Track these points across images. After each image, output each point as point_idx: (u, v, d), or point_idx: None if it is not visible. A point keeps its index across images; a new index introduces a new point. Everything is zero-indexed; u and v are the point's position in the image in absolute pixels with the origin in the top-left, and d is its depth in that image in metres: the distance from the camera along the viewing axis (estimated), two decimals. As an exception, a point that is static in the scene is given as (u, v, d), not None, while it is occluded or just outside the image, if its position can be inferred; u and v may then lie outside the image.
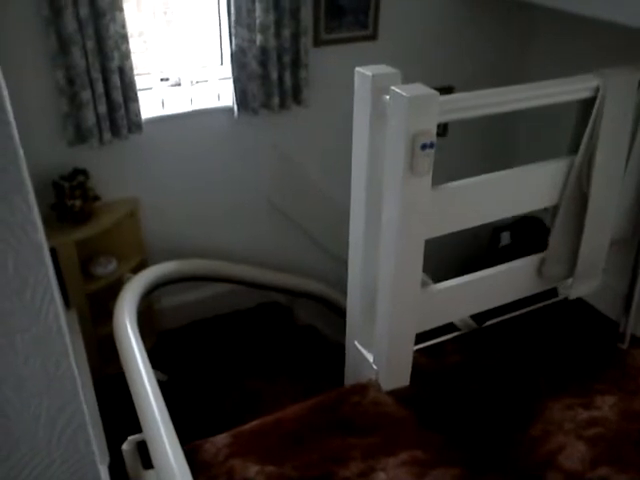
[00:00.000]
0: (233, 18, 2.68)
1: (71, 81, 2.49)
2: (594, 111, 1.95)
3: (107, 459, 1.87)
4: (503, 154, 3.70)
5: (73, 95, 2.52)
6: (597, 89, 1.92)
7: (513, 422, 2.00)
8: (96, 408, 2.11)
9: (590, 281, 2.30)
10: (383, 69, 1.74)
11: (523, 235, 3.40)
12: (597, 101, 1.93)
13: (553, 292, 2.46)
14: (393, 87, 1.67)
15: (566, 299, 2.37)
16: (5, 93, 0.74)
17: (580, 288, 2.31)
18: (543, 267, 2.22)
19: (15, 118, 0.77)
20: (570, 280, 2.29)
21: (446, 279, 2.13)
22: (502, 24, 3.39)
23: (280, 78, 2.86)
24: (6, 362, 0.85)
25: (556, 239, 2.17)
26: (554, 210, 2.15)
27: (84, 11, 2.36)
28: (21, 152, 0.77)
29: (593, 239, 2.18)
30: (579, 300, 2.44)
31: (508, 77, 3.16)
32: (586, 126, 1.98)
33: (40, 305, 0.83)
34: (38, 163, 2.48)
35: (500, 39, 3.42)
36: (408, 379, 2.11)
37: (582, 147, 2.00)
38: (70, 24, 2.36)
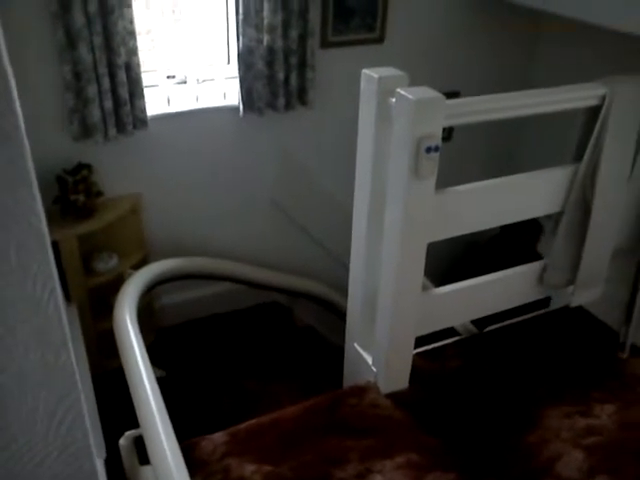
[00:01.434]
0: (241, 18, 2.69)
1: (78, 76, 2.49)
2: (600, 119, 1.94)
3: (104, 453, 1.87)
4: (507, 160, 3.70)
5: (79, 90, 2.52)
6: (604, 97, 1.92)
7: (511, 428, 1.99)
8: (94, 402, 2.11)
9: (591, 289, 2.30)
10: (390, 71, 1.75)
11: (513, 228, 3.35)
12: (603, 109, 1.93)
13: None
14: (399, 89, 1.67)
15: (567, 307, 2.37)
16: (13, 84, 0.74)
17: (581, 296, 2.30)
18: (545, 274, 2.22)
19: (21, 111, 0.77)
20: (571, 288, 2.29)
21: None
22: (509, 30, 3.39)
23: (286, 79, 2.87)
24: (6, 352, 0.84)
25: (558, 246, 2.17)
26: (557, 217, 2.14)
27: (93, 7, 2.37)
28: (27, 143, 0.77)
29: (596, 247, 2.18)
30: (580, 308, 2.44)
31: (514, 83, 3.16)
32: (591, 134, 1.98)
33: (41, 295, 0.83)
34: (43, 157, 2.48)
35: (507, 45, 3.43)
36: (407, 382, 2.11)
37: (587, 155, 2.00)
38: (78, 19, 2.37)
